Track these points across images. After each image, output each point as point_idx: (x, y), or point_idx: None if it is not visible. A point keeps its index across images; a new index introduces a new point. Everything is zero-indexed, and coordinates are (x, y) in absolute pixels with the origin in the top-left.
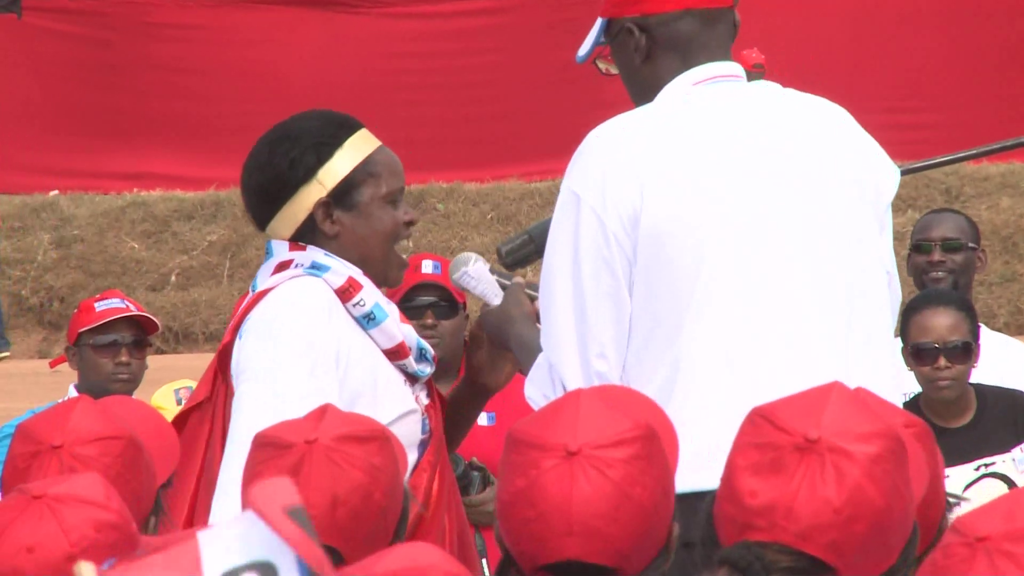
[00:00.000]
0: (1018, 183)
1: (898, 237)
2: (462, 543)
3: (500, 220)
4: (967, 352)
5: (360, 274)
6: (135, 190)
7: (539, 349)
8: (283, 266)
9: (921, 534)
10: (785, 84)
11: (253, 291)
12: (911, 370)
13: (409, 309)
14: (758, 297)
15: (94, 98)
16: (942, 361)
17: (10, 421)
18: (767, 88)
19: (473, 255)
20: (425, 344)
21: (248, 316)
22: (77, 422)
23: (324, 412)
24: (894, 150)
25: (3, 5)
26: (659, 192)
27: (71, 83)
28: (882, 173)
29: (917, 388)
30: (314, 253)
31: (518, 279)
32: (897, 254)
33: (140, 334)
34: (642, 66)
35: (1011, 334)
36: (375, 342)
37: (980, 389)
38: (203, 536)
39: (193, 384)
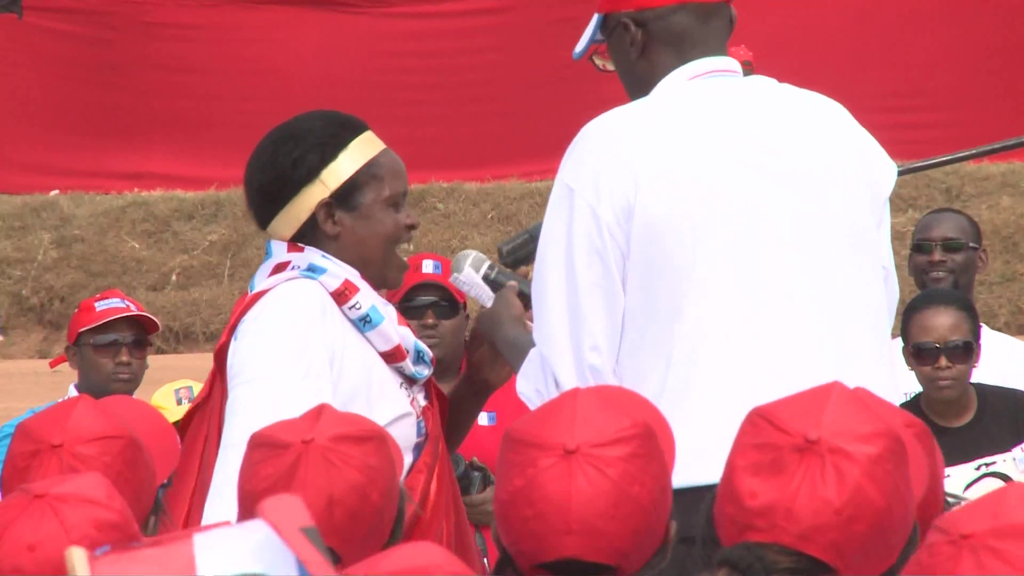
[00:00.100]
0: (1018, 183)
1: (899, 237)
2: (462, 544)
3: (501, 219)
4: (968, 352)
5: (357, 276)
6: (135, 190)
7: (528, 348)
8: (280, 268)
9: (921, 534)
10: (785, 82)
11: (251, 292)
12: (912, 370)
13: (409, 309)
14: (752, 290)
15: (94, 97)
16: (943, 361)
17: (10, 421)
18: (763, 83)
19: (470, 257)
20: (423, 346)
21: (243, 318)
22: (77, 421)
23: (320, 412)
24: (894, 149)
25: (3, 5)
26: (653, 185)
27: (71, 82)
28: (879, 168)
29: (918, 388)
30: (311, 255)
31: (522, 277)
32: (898, 254)
33: (140, 334)
34: (638, 61)
35: (1012, 334)
36: (372, 344)
37: (981, 389)
38: (199, 538)
39: (193, 384)
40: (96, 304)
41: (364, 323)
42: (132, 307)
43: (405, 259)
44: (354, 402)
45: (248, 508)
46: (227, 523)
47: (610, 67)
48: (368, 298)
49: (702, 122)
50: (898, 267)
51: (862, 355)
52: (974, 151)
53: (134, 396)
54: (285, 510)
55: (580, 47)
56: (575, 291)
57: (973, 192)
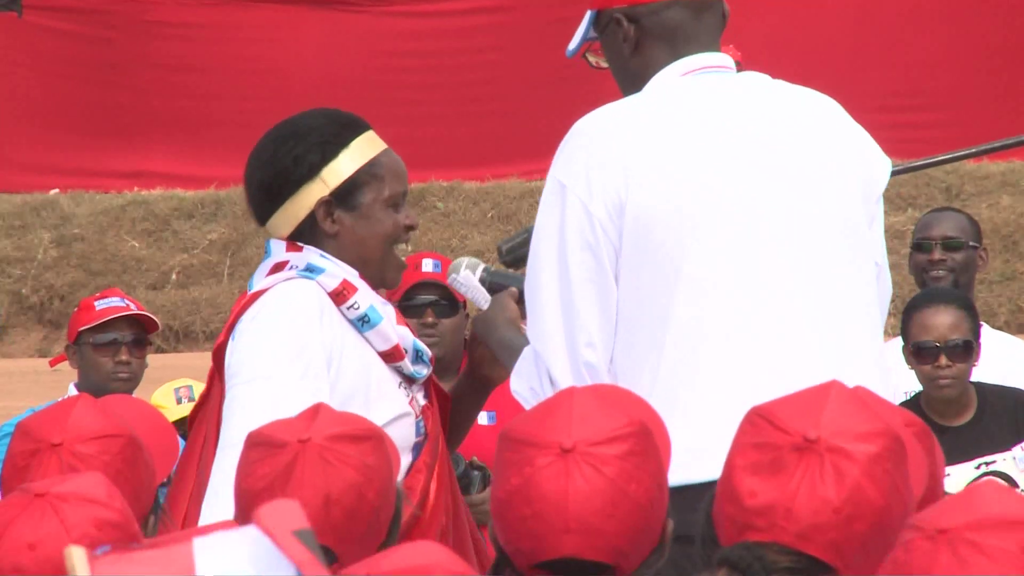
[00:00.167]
0: (1018, 182)
1: (899, 236)
2: (460, 542)
3: (500, 219)
4: (968, 351)
5: (356, 276)
6: (135, 189)
7: (521, 349)
8: (278, 267)
9: None
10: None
11: (249, 291)
12: (912, 369)
13: (409, 308)
14: (744, 286)
15: (94, 96)
16: (943, 360)
17: (10, 420)
18: (756, 79)
19: (465, 261)
20: (422, 345)
21: (241, 317)
22: (77, 420)
23: (317, 411)
24: (894, 148)
25: (3, 4)
26: (644, 180)
27: (71, 81)
28: (873, 164)
29: (918, 387)
30: (310, 255)
31: (521, 276)
32: (898, 252)
33: (140, 333)
34: (631, 57)
35: (1011, 332)
36: (370, 344)
37: (981, 387)
38: (198, 540)
39: (193, 383)
40: (96, 303)
41: (362, 323)
42: (132, 306)
43: (403, 259)
44: (352, 402)
45: (245, 507)
46: (226, 523)
47: (604, 64)
48: (366, 298)
49: (694, 118)
50: (898, 266)
51: (859, 353)
52: (974, 149)
53: (134, 395)
54: (279, 515)
55: (573, 44)
56: (568, 287)
57: (973, 191)
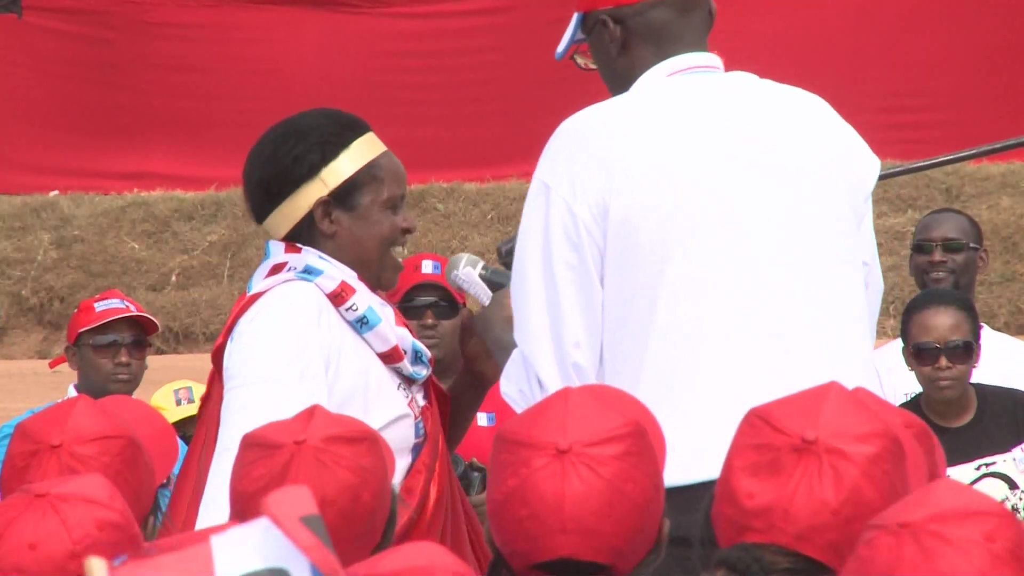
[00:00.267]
0: (1018, 183)
1: (899, 237)
2: (459, 542)
3: (500, 220)
4: (968, 352)
5: (354, 278)
6: (135, 190)
7: (513, 348)
8: (277, 269)
9: None
10: (785, 82)
11: (248, 293)
12: (912, 370)
13: (409, 309)
14: (729, 286)
15: (94, 97)
16: (943, 361)
17: (9, 421)
18: (743, 78)
19: (465, 257)
20: (421, 346)
21: (239, 319)
22: (76, 421)
23: (313, 413)
24: (895, 149)
25: (3, 4)
26: (628, 181)
27: (71, 82)
28: (861, 164)
29: (918, 388)
30: (308, 256)
31: None
32: (898, 254)
33: (140, 334)
34: (618, 58)
35: (1011, 334)
36: (369, 345)
37: (981, 389)
38: (216, 539)
39: (193, 384)
40: (96, 304)
41: (361, 324)
42: (132, 307)
43: (401, 260)
44: (351, 403)
45: (241, 509)
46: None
47: (592, 66)
48: (365, 299)
49: (680, 118)
50: (898, 267)
51: (856, 353)
52: (974, 151)
53: (133, 396)
54: (288, 502)
55: (561, 47)
56: (554, 289)
57: (973, 192)
